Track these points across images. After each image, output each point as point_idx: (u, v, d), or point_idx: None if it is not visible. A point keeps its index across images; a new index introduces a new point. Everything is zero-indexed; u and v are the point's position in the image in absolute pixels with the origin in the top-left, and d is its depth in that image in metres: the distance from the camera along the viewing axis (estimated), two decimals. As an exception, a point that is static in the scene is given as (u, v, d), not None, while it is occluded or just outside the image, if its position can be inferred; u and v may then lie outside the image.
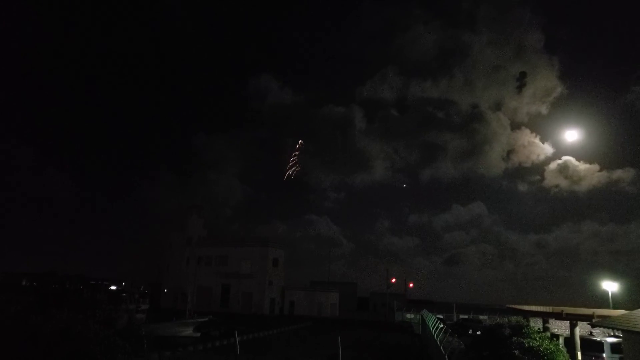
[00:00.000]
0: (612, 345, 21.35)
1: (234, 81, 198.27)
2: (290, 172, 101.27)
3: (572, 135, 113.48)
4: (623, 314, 17.40)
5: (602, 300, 32.92)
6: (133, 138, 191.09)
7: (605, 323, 17.21)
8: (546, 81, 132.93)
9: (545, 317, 24.83)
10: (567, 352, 18.51)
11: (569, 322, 22.44)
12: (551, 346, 16.86)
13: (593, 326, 22.81)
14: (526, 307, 26.55)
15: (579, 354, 20.93)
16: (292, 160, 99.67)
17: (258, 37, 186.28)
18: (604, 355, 21.44)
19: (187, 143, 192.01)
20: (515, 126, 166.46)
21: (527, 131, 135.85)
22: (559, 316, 22.58)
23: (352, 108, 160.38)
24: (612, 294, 32.42)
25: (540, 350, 16.44)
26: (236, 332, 27.20)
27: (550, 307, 24.32)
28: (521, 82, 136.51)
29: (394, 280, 73.66)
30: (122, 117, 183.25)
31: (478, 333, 31.28)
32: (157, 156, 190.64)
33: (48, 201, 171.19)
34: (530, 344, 16.79)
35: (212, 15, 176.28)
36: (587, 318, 21.06)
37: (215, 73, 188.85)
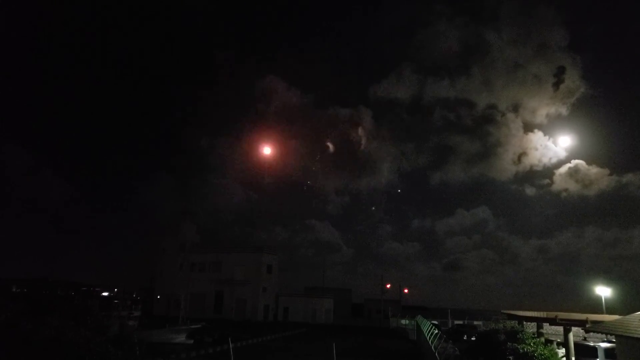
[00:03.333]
0: (606, 350, 21.41)
1: (239, 82, 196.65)
2: (309, 182, 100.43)
3: (573, 139, 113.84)
4: (617, 319, 17.45)
5: (599, 305, 33.04)
6: (132, 141, 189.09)
7: (600, 328, 17.23)
8: (569, 81, 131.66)
9: (540, 322, 24.85)
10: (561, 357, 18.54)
11: (562, 327, 22.48)
12: (545, 352, 16.89)
13: (587, 331, 22.86)
14: (520, 313, 26.54)
15: (573, 359, 20.95)
16: (313, 169, 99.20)
17: (267, 36, 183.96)
18: (598, 360, 21.50)
19: (189, 146, 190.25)
20: (530, 128, 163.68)
21: (540, 134, 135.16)
22: (553, 321, 22.60)
23: (360, 110, 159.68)
24: (607, 299, 32.58)
25: (535, 356, 16.46)
26: (230, 339, 26.98)
27: (544, 313, 24.37)
28: (559, 78, 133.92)
29: (388, 286, 73.63)
30: (121, 119, 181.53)
31: (473, 339, 31.27)
32: (157, 160, 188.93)
33: (41, 204, 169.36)
34: (525, 349, 16.83)
35: (216, 10, 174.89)
36: (580, 323, 21.10)
37: (220, 73, 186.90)
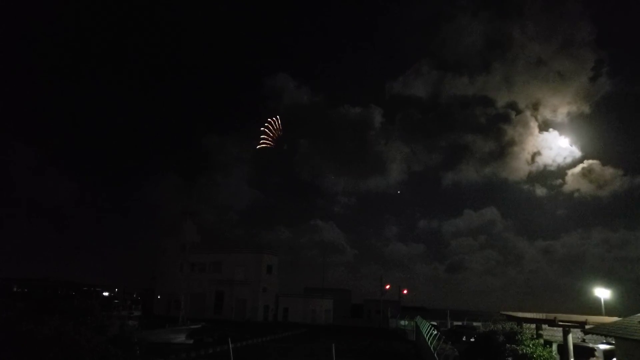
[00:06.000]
0: (605, 352, 21.44)
1: (249, 80, 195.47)
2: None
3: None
4: (616, 321, 17.47)
5: (600, 307, 32.95)
6: (138, 139, 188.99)
7: (599, 330, 17.27)
8: (593, 79, 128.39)
9: (539, 323, 24.87)
10: (560, 359, 18.57)
11: (562, 329, 22.49)
12: (544, 353, 16.93)
13: (586, 333, 22.88)
14: (519, 314, 26.55)
15: (572, 360, 20.96)
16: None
17: (278, 33, 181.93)
18: (597, 362, 21.53)
19: (196, 145, 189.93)
20: (549, 127, 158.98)
21: (556, 132, 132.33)
22: (552, 323, 22.62)
23: (370, 108, 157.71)
24: (608, 301, 32.54)
25: (534, 357, 16.51)
26: (229, 339, 27.01)
27: (544, 314, 24.37)
28: (597, 72, 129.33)
29: (388, 286, 73.59)
30: (128, 118, 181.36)
31: (472, 340, 31.30)
32: (163, 158, 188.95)
33: (43, 204, 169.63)
34: (524, 350, 16.87)
35: (225, 7, 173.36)
36: (580, 325, 21.13)
37: (229, 71, 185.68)
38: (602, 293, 32.81)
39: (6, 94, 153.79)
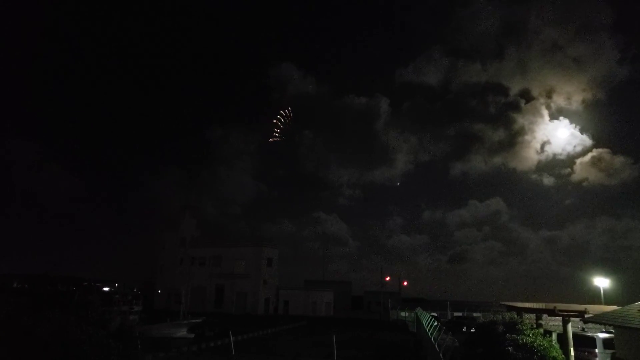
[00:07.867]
0: (604, 340, 21.56)
1: (253, 71, 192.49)
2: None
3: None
4: (615, 310, 17.56)
5: (605, 296, 33.05)
6: (140, 132, 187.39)
7: (598, 319, 17.34)
8: (610, 64, 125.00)
9: (538, 313, 24.98)
10: (560, 348, 18.65)
11: (561, 318, 22.59)
12: (544, 342, 16.97)
13: (586, 322, 22.97)
14: (519, 304, 26.66)
15: (572, 349, 21.08)
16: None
17: (282, 21, 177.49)
18: (597, 350, 21.64)
19: (200, 138, 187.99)
20: (560, 114, 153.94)
21: (567, 121, 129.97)
22: (551, 312, 22.71)
23: (377, 98, 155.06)
24: (609, 290, 32.69)
25: (534, 347, 16.55)
26: (230, 333, 27.12)
27: (543, 304, 24.47)
28: (624, 55, 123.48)
29: (388, 278, 73.83)
30: (129, 111, 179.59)
31: (472, 330, 31.44)
32: (165, 152, 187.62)
33: (44, 199, 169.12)
34: (524, 340, 16.90)
35: None
36: (579, 314, 21.22)
37: (232, 62, 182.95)
38: (602, 282, 32.95)
39: (6, 89, 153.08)
